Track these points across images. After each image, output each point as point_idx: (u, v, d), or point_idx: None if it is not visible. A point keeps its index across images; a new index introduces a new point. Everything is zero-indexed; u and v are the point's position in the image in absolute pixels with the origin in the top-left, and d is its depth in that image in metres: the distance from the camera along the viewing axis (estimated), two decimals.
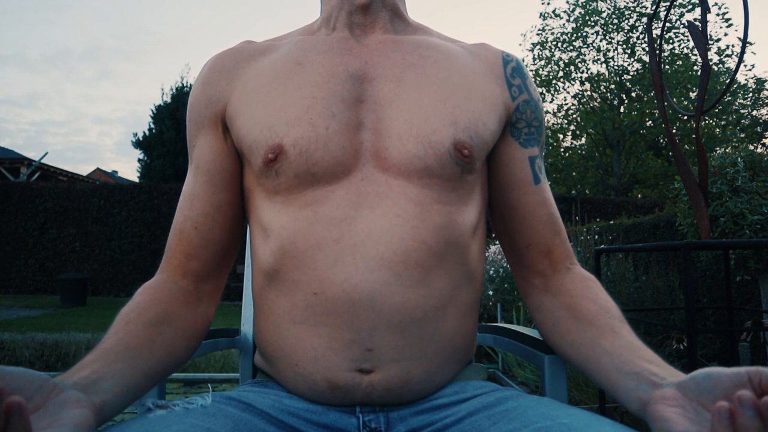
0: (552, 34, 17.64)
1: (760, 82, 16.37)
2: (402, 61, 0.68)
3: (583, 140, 18.40)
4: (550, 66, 17.65)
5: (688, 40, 15.55)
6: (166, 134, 14.20)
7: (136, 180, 15.85)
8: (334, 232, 0.61)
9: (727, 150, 2.52)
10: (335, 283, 0.60)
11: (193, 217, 0.69)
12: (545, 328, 0.69)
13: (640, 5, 16.13)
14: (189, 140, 0.73)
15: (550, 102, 18.07)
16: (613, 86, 17.05)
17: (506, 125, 0.72)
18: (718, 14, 14.19)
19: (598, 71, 17.28)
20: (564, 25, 17.37)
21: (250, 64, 0.70)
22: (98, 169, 28.73)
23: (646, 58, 15.03)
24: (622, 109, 16.93)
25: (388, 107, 0.65)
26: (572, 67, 17.21)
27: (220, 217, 0.70)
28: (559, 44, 17.37)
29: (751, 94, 16.51)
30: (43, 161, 14.66)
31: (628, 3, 16.30)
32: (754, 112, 16.88)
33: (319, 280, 0.61)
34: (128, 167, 45.39)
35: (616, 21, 16.43)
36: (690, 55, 15.46)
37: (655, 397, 0.48)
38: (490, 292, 4.05)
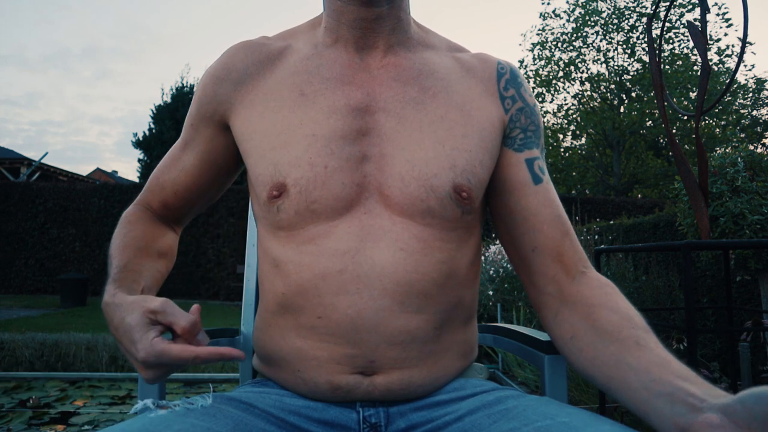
0: (552, 34, 17.63)
1: (760, 82, 16.38)
2: (403, 95, 0.68)
3: (583, 140, 18.40)
4: (550, 66, 17.65)
5: (688, 40, 15.55)
6: (166, 134, 14.20)
7: (136, 180, 15.86)
8: (338, 264, 0.62)
9: (727, 150, 2.52)
10: (338, 309, 0.61)
11: (174, 184, 0.76)
12: (562, 341, 0.64)
13: (640, 5, 16.14)
14: (190, 112, 0.75)
15: (550, 102, 18.07)
16: (613, 86, 17.05)
17: (501, 139, 0.71)
18: (718, 14, 14.19)
19: (598, 71, 17.28)
20: (564, 25, 17.37)
21: (258, 73, 0.70)
22: (98, 169, 28.73)
23: (646, 58, 15.04)
24: (622, 109, 16.93)
25: (390, 143, 0.65)
26: (572, 67, 17.20)
27: (200, 192, 0.78)
28: (559, 44, 17.37)
29: (751, 94, 16.51)
30: (43, 161, 14.66)
31: (628, 3, 16.30)
32: (754, 112, 16.89)
33: (323, 306, 0.62)
34: (128, 167, 45.53)
35: (616, 21, 16.43)
36: (690, 55, 15.46)
37: (698, 425, 0.43)
38: (490, 292, 4.05)
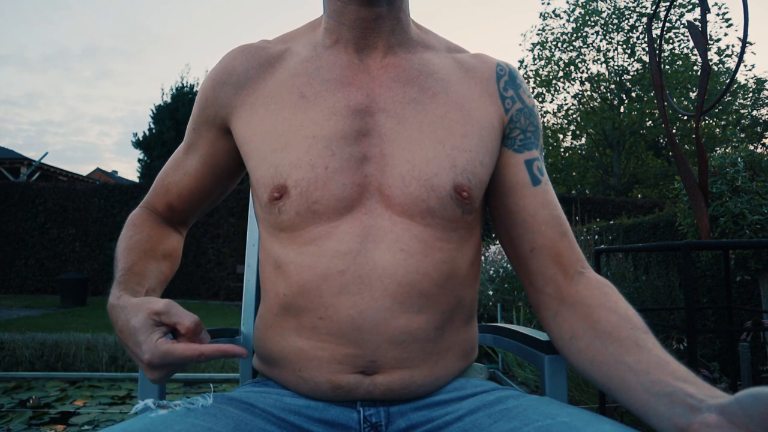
0: (552, 34, 17.64)
1: (760, 82, 16.38)
2: (403, 96, 0.68)
3: (583, 140, 18.41)
4: (550, 66, 17.65)
5: (688, 40, 15.56)
6: (166, 134, 14.20)
7: (136, 180, 15.86)
8: (339, 264, 0.62)
9: (727, 150, 2.52)
10: (340, 310, 0.61)
11: (179, 188, 0.78)
12: (562, 342, 0.64)
13: (640, 5, 16.14)
14: (192, 116, 0.76)
15: (550, 102, 18.07)
16: (613, 86, 17.05)
17: (501, 139, 0.71)
18: (718, 14, 14.20)
19: (598, 71, 17.28)
20: (564, 25, 17.38)
21: (259, 77, 0.70)
22: (98, 169, 28.72)
23: (646, 58, 15.04)
24: (622, 109, 16.93)
25: (390, 144, 0.65)
26: (572, 67, 17.20)
27: (204, 195, 0.79)
28: (559, 44, 17.37)
29: (751, 94, 16.51)
30: (43, 161, 14.66)
31: (628, 3, 16.30)
32: (754, 112, 16.89)
33: (324, 307, 0.62)
34: (128, 167, 45.47)
35: (616, 21, 16.43)
36: (690, 55, 15.46)
37: (696, 425, 0.44)
38: (490, 292, 4.05)
